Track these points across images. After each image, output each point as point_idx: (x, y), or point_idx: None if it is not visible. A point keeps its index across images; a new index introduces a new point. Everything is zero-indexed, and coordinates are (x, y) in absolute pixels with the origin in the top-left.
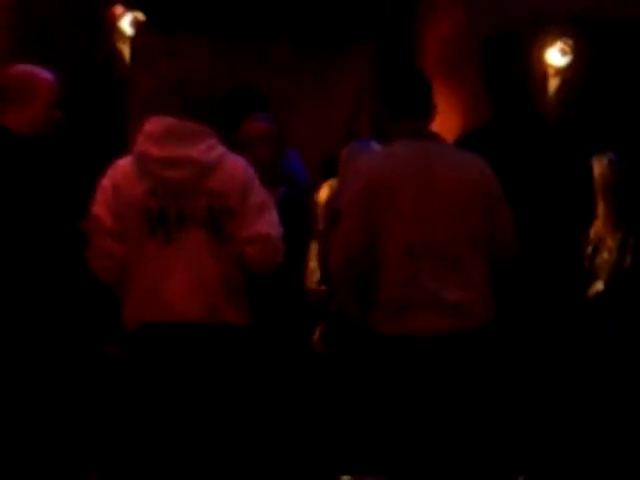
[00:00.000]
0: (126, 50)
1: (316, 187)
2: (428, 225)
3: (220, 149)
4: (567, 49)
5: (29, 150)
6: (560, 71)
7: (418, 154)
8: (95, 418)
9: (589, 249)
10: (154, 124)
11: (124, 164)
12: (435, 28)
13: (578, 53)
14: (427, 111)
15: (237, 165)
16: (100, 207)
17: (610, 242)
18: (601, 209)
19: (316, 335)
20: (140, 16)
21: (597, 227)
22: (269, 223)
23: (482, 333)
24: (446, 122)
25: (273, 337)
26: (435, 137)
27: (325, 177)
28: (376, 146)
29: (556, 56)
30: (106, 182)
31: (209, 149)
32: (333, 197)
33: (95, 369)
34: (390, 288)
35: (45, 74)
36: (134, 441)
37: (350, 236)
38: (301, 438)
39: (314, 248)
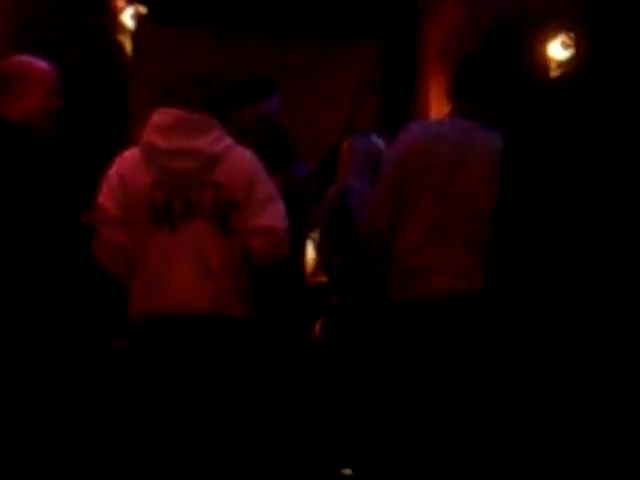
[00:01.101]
0: (128, 43)
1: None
2: (452, 197)
3: (227, 141)
4: (569, 42)
5: (26, 140)
6: (562, 65)
7: (457, 130)
8: (97, 409)
9: None
10: (162, 115)
11: (130, 155)
12: (437, 22)
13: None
14: (486, 96)
15: (243, 157)
16: (106, 197)
17: None
18: None
19: (317, 328)
20: (142, 9)
21: None
22: (275, 216)
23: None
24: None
25: (275, 330)
26: (481, 119)
27: (325, 171)
28: (376, 139)
29: (558, 50)
30: (112, 173)
31: (216, 141)
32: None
33: (98, 361)
34: (406, 252)
35: (42, 63)
36: (137, 433)
37: (382, 197)
38: (302, 431)
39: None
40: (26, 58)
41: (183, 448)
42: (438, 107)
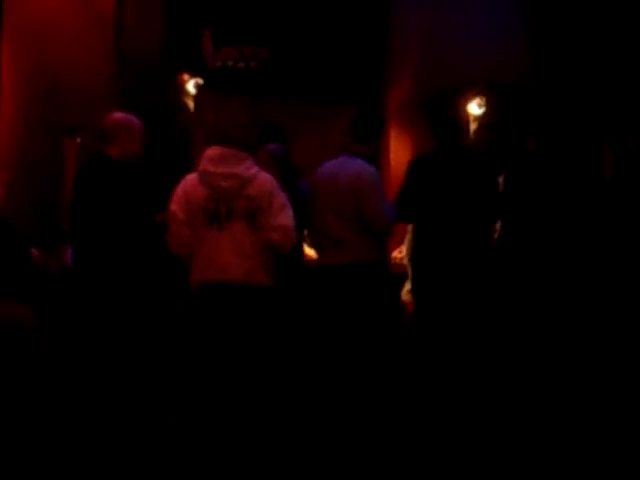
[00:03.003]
0: (190, 103)
1: None
2: (331, 205)
3: (255, 168)
4: (482, 103)
5: (125, 171)
6: (477, 118)
7: (335, 165)
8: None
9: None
10: (212, 150)
11: (191, 178)
12: (396, 91)
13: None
14: (367, 139)
15: (266, 179)
16: (176, 206)
17: None
18: None
19: None
20: (200, 81)
21: None
22: (287, 218)
23: (364, 265)
24: (404, 152)
25: (283, 293)
26: (360, 155)
27: None
28: None
29: (475, 108)
30: (179, 190)
31: (247, 168)
32: None
33: (169, 314)
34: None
35: (134, 119)
36: (195, 361)
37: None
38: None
39: None
40: (123, 115)
41: (227, 368)
42: (395, 149)
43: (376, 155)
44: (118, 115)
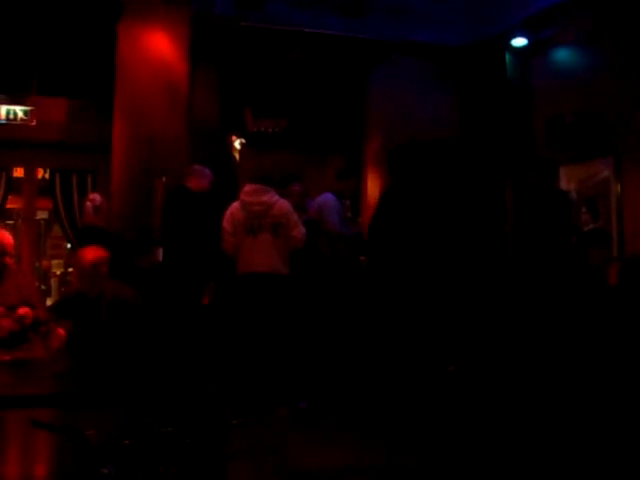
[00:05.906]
0: (236, 155)
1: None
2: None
3: (277, 197)
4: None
5: (200, 198)
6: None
7: (317, 198)
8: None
9: None
10: (248, 186)
11: (235, 204)
12: (371, 147)
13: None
14: (346, 177)
15: (285, 204)
16: (226, 223)
17: None
18: None
19: None
20: (243, 140)
21: None
22: (300, 229)
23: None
24: (376, 186)
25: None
26: (338, 190)
27: None
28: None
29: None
30: (227, 213)
31: (271, 197)
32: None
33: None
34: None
35: (205, 168)
36: (239, 323)
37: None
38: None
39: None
40: (198, 165)
41: (260, 319)
42: (370, 184)
43: (353, 188)
44: (194, 166)
